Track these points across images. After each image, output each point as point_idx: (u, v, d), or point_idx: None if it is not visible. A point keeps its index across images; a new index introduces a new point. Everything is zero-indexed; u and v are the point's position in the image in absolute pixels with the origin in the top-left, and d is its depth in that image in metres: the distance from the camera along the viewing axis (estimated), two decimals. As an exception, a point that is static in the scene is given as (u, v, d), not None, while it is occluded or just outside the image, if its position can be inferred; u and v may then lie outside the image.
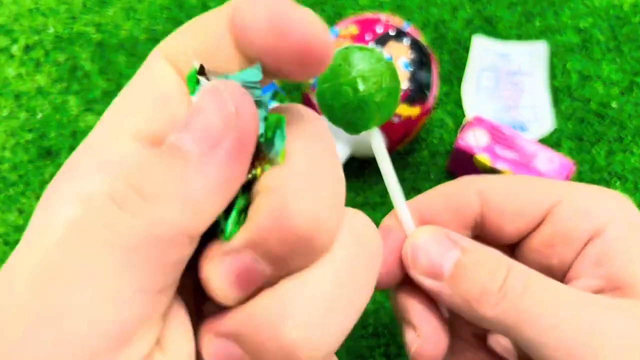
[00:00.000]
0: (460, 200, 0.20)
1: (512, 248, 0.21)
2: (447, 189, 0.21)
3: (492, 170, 0.34)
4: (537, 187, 0.20)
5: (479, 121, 0.35)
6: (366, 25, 0.32)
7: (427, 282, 0.19)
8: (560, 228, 0.19)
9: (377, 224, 0.36)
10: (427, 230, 0.19)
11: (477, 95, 0.41)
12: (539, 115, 0.40)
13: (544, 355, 0.16)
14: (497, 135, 0.35)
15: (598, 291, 0.18)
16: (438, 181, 0.37)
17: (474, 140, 0.35)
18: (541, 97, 0.40)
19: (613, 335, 0.16)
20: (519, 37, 0.44)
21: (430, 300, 0.20)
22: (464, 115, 0.40)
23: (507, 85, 0.41)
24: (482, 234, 0.21)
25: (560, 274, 0.19)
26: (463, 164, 0.36)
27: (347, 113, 0.17)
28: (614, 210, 0.18)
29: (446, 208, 0.20)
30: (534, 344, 0.16)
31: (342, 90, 0.17)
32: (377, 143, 0.19)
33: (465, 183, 0.21)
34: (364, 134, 0.19)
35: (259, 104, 0.13)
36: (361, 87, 0.17)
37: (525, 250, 0.20)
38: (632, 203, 0.19)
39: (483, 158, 0.34)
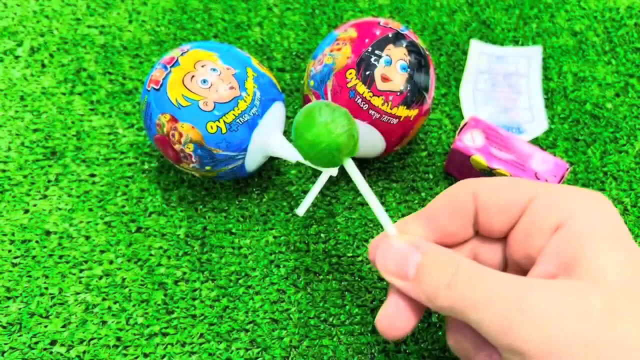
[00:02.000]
0: (458, 202, 0.23)
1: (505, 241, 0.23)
2: (447, 193, 0.24)
3: (489, 170, 0.35)
4: (519, 186, 0.22)
5: (475, 122, 0.36)
6: (365, 29, 0.33)
7: (397, 283, 0.22)
8: (533, 219, 0.21)
9: (377, 223, 0.36)
10: (395, 238, 0.23)
11: (475, 97, 0.41)
12: (535, 116, 0.40)
13: (484, 331, 0.19)
14: (493, 136, 0.35)
15: (551, 276, 0.20)
16: (436, 181, 0.38)
17: (471, 141, 0.35)
18: (537, 98, 0.41)
19: (536, 308, 0.18)
20: (516, 39, 0.44)
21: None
22: (461, 117, 0.41)
23: (503, 87, 0.42)
24: (480, 230, 0.24)
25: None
26: (460, 164, 0.36)
27: (324, 157, 0.23)
28: (582, 205, 0.20)
29: (448, 211, 0.23)
30: (477, 323, 0.19)
31: (317, 141, 0.22)
32: (351, 169, 0.24)
33: (461, 186, 0.23)
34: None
35: None
36: (332, 134, 0.22)
37: (512, 242, 0.23)
38: (609, 203, 0.21)
39: (479, 158, 0.35)
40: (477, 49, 0.44)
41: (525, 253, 0.22)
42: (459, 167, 0.37)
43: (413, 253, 0.22)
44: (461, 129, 0.36)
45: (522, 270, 0.23)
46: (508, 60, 0.43)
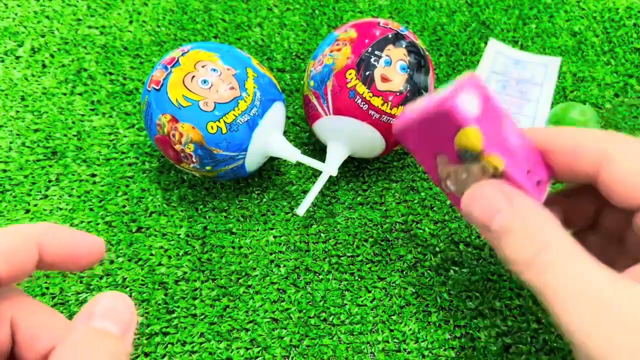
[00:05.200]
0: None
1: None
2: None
3: (475, 155, 0.22)
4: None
5: (475, 83, 0.22)
6: (365, 29, 0.33)
7: (479, 229, 0.21)
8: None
9: (377, 223, 0.36)
10: (488, 182, 0.21)
11: None
12: (536, 125, 0.40)
13: (555, 318, 0.19)
14: (489, 109, 0.22)
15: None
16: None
17: (471, 105, 0.21)
18: (544, 109, 0.41)
19: (606, 310, 0.17)
20: (515, 40, 0.45)
21: None
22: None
23: (514, 92, 0.42)
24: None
25: None
26: (433, 135, 0.23)
27: None
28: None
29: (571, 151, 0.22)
30: (551, 309, 0.19)
31: None
32: None
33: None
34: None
35: None
36: None
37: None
38: None
39: (475, 133, 0.21)
40: (495, 48, 0.44)
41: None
42: (427, 138, 0.23)
43: (502, 206, 0.20)
44: (456, 87, 0.21)
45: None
46: (525, 66, 0.43)
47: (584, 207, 0.25)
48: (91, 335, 0.18)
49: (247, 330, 0.32)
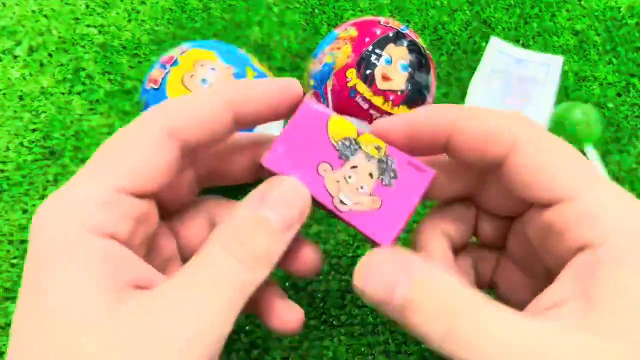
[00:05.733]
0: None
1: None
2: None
3: (354, 141, 0.21)
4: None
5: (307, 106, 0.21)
6: (365, 28, 0.33)
7: (380, 307, 0.18)
8: (553, 228, 0.18)
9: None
10: (377, 253, 0.19)
11: (483, 95, 0.41)
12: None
13: None
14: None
15: (572, 314, 0.16)
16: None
17: (321, 107, 0.21)
18: (545, 108, 0.40)
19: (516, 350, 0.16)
20: (517, 38, 0.44)
21: None
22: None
23: (515, 90, 0.42)
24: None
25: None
26: (306, 140, 0.21)
27: None
28: (622, 222, 0.17)
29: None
30: None
31: None
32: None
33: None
34: None
35: None
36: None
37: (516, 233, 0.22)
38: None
39: (341, 119, 0.21)
40: (496, 47, 0.43)
41: (530, 253, 0.20)
42: (301, 152, 0.21)
43: (400, 277, 0.17)
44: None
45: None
46: (527, 65, 0.43)
47: (463, 220, 0.23)
48: (253, 223, 0.19)
49: (247, 332, 0.32)
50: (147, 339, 0.15)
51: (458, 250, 0.24)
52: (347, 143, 0.21)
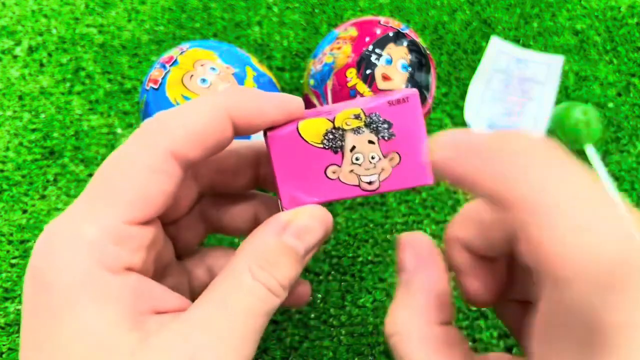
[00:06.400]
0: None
1: None
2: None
3: (338, 134, 0.20)
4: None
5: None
6: (365, 28, 0.33)
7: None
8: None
9: (377, 223, 0.36)
10: (413, 236, 0.20)
11: (484, 95, 0.41)
12: (537, 125, 0.40)
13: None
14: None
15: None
16: (437, 181, 0.38)
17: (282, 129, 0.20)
18: (546, 108, 0.40)
19: None
20: (517, 38, 0.44)
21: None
22: (462, 116, 0.40)
23: (516, 90, 0.41)
24: None
25: None
26: (295, 161, 0.20)
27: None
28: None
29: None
30: None
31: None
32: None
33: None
34: None
35: None
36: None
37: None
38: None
39: (313, 121, 0.20)
40: (497, 47, 0.43)
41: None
42: (301, 174, 0.20)
43: (407, 267, 0.19)
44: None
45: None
46: (528, 65, 0.43)
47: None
48: (280, 251, 0.19)
49: (247, 331, 0.32)
50: None
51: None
52: (330, 136, 0.20)
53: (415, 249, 0.19)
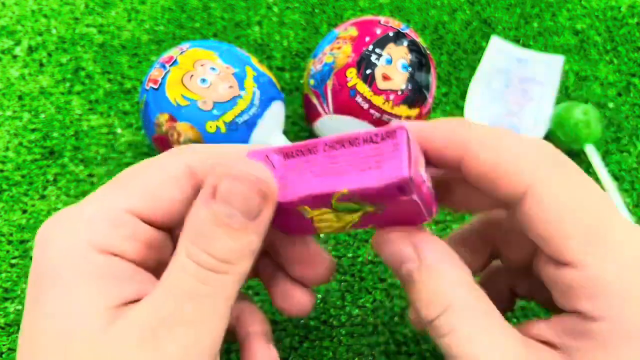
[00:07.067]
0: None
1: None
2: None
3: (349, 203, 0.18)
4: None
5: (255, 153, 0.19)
6: (365, 28, 0.33)
7: (388, 263, 0.19)
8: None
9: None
10: (394, 230, 0.19)
11: (484, 95, 0.41)
12: (537, 124, 0.40)
13: None
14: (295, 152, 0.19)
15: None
16: (437, 181, 0.38)
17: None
18: (546, 108, 0.40)
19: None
20: (517, 38, 0.44)
21: None
22: (462, 116, 0.40)
23: (516, 90, 0.41)
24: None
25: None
26: (293, 221, 0.19)
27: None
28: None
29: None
30: None
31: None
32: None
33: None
34: None
35: None
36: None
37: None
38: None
39: (304, 209, 0.18)
40: (497, 46, 0.43)
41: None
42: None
43: (410, 256, 0.18)
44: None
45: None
46: (528, 65, 0.43)
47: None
48: (211, 223, 0.16)
49: (247, 332, 0.32)
50: (140, 352, 0.16)
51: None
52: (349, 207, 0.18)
53: (400, 239, 0.19)
